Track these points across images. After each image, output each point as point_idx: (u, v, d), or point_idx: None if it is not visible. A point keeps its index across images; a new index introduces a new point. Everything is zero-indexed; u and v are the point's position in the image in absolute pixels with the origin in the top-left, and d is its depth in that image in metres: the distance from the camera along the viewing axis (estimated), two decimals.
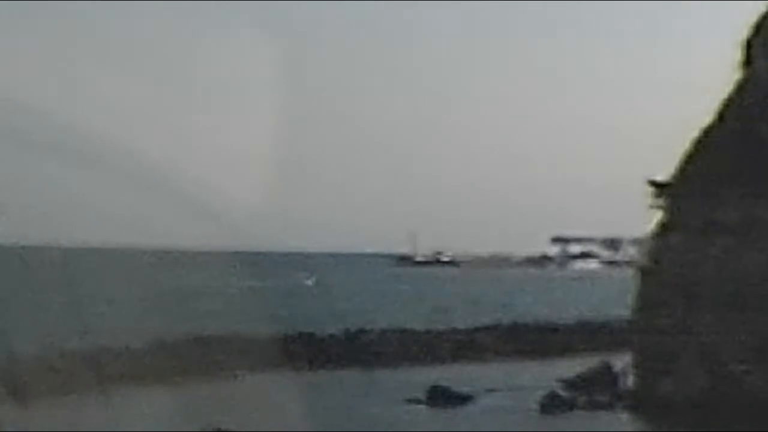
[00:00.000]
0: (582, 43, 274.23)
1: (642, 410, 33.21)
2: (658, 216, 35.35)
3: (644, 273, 34.96)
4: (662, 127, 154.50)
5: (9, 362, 28.92)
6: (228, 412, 28.20)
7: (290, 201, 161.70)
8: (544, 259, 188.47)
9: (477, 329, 52.54)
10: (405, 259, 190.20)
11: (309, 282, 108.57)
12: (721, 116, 34.96)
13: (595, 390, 35.91)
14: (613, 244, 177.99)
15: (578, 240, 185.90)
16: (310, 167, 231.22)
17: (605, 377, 37.40)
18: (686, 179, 34.84)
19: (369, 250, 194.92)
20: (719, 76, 37.48)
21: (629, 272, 40.39)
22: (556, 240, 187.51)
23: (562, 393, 35.53)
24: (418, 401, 34.73)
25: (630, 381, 35.40)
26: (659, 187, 35.56)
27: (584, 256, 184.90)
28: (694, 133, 35.29)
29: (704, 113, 35.34)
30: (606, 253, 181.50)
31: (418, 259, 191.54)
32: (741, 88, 35.03)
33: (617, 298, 48.71)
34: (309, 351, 43.73)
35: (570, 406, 34.20)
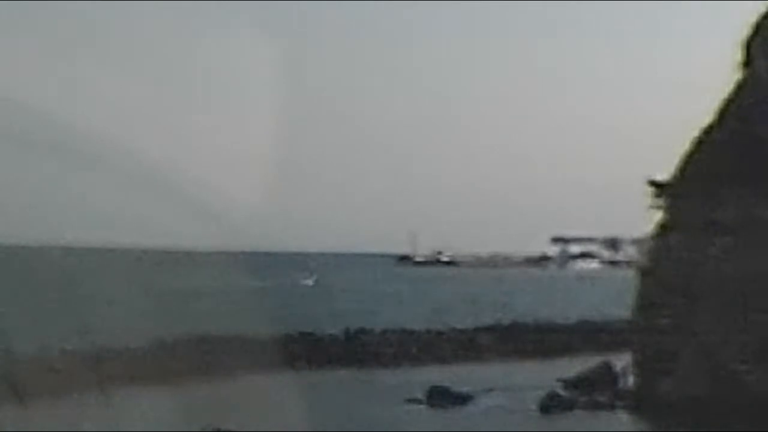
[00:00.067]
0: (582, 43, 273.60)
1: (642, 410, 33.20)
2: (658, 216, 35.37)
3: (644, 273, 34.94)
4: (662, 127, 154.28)
5: (9, 362, 28.95)
6: (228, 412, 28.17)
7: (290, 201, 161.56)
8: (544, 259, 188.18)
9: (477, 329, 52.51)
10: (405, 259, 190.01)
11: (309, 282, 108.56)
12: (721, 116, 34.93)
13: (595, 390, 35.93)
14: (613, 244, 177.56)
15: (578, 240, 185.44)
16: (310, 167, 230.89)
17: (605, 377, 37.42)
18: (686, 179, 34.83)
19: (369, 250, 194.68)
20: (719, 76, 37.51)
21: (629, 272, 40.38)
22: (556, 240, 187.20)
23: (562, 393, 35.55)
24: (418, 401, 34.70)
25: (630, 381, 35.40)
26: (659, 187, 35.54)
27: (584, 256, 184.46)
28: (694, 133, 35.30)
29: (704, 113, 35.35)
30: (606, 253, 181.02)
31: (418, 259, 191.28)
32: (741, 88, 35.01)
33: (617, 298, 48.62)
34: (309, 351, 43.77)
35: (570, 406, 34.19)
